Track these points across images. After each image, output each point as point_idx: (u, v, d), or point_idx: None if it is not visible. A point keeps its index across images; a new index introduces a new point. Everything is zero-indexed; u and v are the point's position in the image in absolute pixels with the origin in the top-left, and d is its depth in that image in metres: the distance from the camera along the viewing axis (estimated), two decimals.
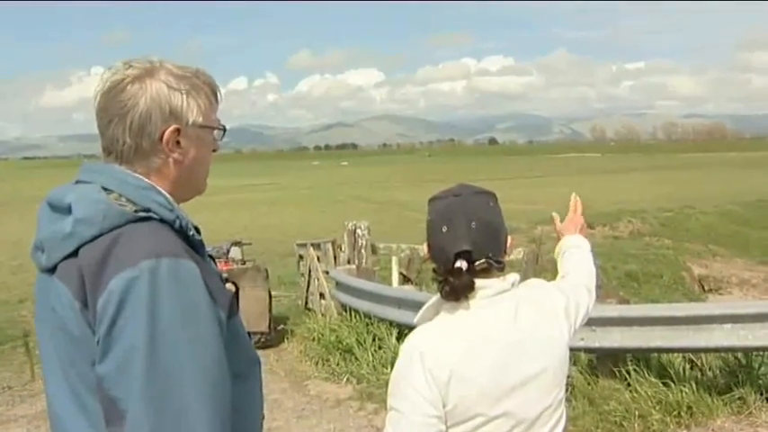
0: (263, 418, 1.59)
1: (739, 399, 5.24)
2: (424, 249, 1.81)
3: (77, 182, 1.45)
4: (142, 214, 1.37)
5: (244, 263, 9.17)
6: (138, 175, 1.42)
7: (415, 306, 6.97)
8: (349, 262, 9.17)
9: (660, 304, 6.93)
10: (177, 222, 1.40)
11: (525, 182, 56.01)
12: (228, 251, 9.19)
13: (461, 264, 1.64)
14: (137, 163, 1.43)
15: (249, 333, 1.57)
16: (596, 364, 5.76)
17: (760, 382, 5.42)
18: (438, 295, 1.71)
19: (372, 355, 6.96)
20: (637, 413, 5.11)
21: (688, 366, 5.73)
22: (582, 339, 5.55)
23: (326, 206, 38.26)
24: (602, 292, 9.96)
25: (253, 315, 7.67)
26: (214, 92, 1.52)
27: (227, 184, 51.73)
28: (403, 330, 7.22)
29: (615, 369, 5.59)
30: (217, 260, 7.81)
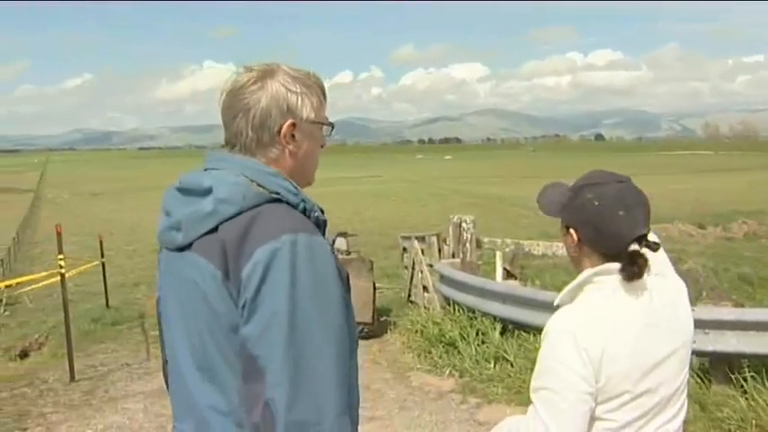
0: None
1: None
2: (571, 236, 1.82)
3: (206, 169, 1.60)
4: (275, 196, 1.52)
5: (349, 253, 9.30)
6: (263, 164, 1.58)
7: (520, 301, 6.96)
8: (453, 255, 9.16)
9: None
10: (302, 205, 1.55)
11: (634, 179, 54.29)
12: (334, 241, 9.35)
13: (638, 247, 1.71)
14: (258, 153, 1.59)
15: None
16: (709, 369, 5.55)
17: None
18: (580, 278, 1.77)
19: (476, 349, 6.92)
20: (754, 422, 4.89)
21: None
22: (694, 342, 5.36)
23: (429, 199, 38.32)
24: (714, 295, 9.61)
25: (357, 306, 7.72)
26: (323, 91, 1.69)
27: (332, 176, 52.59)
28: (507, 326, 7.19)
29: (730, 375, 5.38)
30: None
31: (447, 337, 7.28)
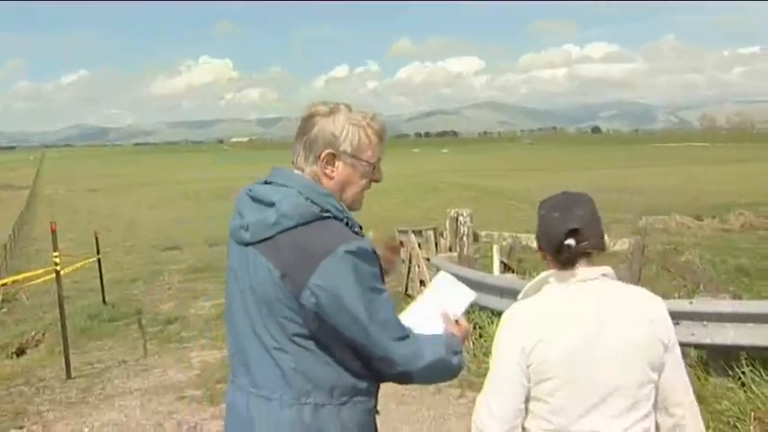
0: None
1: None
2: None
3: (270, 182, 1.99)
4: (325, 214, 1.90)
5: None
6: (320, 185, 1.96)
7: (517, 295, 6.93)
8: (450, 249, 9.14)
9: None
10: (345, 221, 1.93)
11: (631, 171, 54.52)
12: None
13: (570, 241, 1.97)
14: (306, 169, 1.99)
15: None
16: (707, 361, 5.54)
17: None
18: (538, 277, 2.09)
19: (473, 343, 6.91)
20: (753, 414, 4.88)
21: None
22: (692, 335, 5.35)
23: (427, 193, 38.35)
24: (712, 287, 9.60)
25: None
26: (379, 135, 2.04)
27: None
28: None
29: (727, 367, 5.37)
30: None
31: None
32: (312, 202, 1.89)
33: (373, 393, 2.03)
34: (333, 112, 1.98)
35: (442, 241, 9.58)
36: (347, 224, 1.93)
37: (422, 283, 9.50)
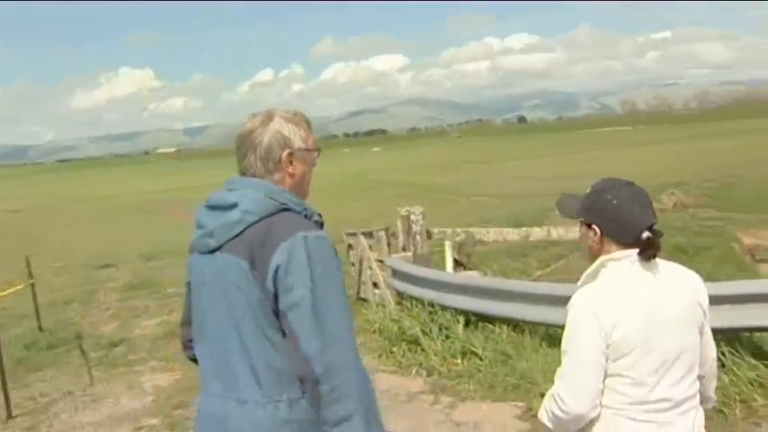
0: None
1: None
2: (594, 231, 2.26)
3: (227, 190, 2.11)
4: (285, 206, 2.04)
5: None
6: (273, 184, 2.10)
7: (482, 292, 6.72)
8: (404, 249, 8.89)
9: (754, 280, 6.52)
10: (304, 212, 2.07)
11: (559, 159, 55.33)
12: None
13: (650, 234, 2.17)
14: (266, 177, 2.12)
15: None
16: None
17: None
18: (596, 263, 2.25)
19: (440, 344, 6.65)
20: (737, 398, 4.78)
21: None
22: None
23: (361, 193, 38.12)
24: None
25: None
26: (308, 124, 2.22)
27: None
28: (470, 317, 6.94)
29: None
30: None
31: (408, 334, 6.96)
32: (270, 198, 2.03)
33: None
34: (269, 118, 2.14)
35: (394, 241, 9.31)
36: (306, 216, 2.06)
37: (375, 285, 9.24)
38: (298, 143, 2.14)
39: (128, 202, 45.63)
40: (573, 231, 9.08)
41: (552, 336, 6.30)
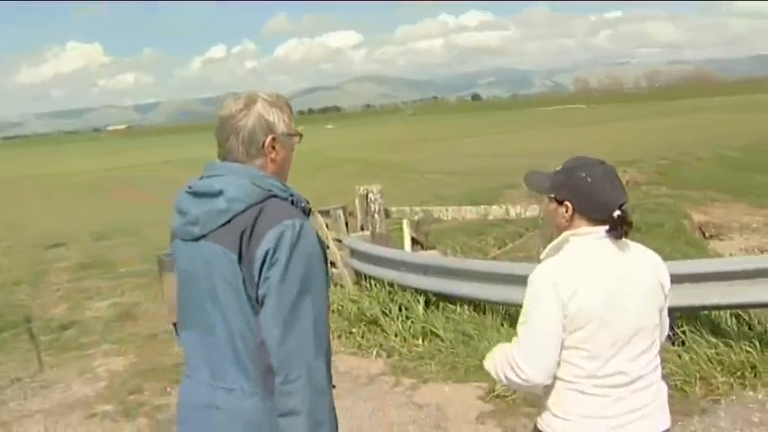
0: None
1: None
2: (566, 207, 2.27)
3: (210, 176, 2.08)
4: (270, 193, 2.01)
5: None
6: (256, 169, 2.07)
7: (444, 272, 6.65)
8: (362, 228, 8.79)
9: (713, 259, 6.58)
10: (290, 198, 2.05)
11: (513, 136, 55.61)
12: None
13: (621, 213, 2.20)
14: (248, 162, 2.08)
15: None
16: None
17: None
18: (560, 237, 2.28)
19: (401, 325, 6.56)
20: (698, 375, 4.79)
21: (741, 324, 5.39)
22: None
23: (316, 171, 37.80)
24: None
25: None
26: (290, 108, 2.19)
27: (211, 154, 50.94)
28: (430, 298, 6.88)
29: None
30: None
31: (368, 315, 6.86)
32: (255, 185, 2.00)
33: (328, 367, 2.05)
34: (252, 101, 2.10)
35: (351, 220, 9.20)
36: (292, 202, 2.04)
37: (332, 264, 9.12)
38: (281, 128, 2.11)
39: (78, 181, 44.68)
40: (531, 209, 9.09)
41: (513, 315, 6.26)
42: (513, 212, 9.05)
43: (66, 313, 9.82)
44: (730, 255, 13.03)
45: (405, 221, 9.40)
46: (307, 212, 2.09)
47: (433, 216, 9.27)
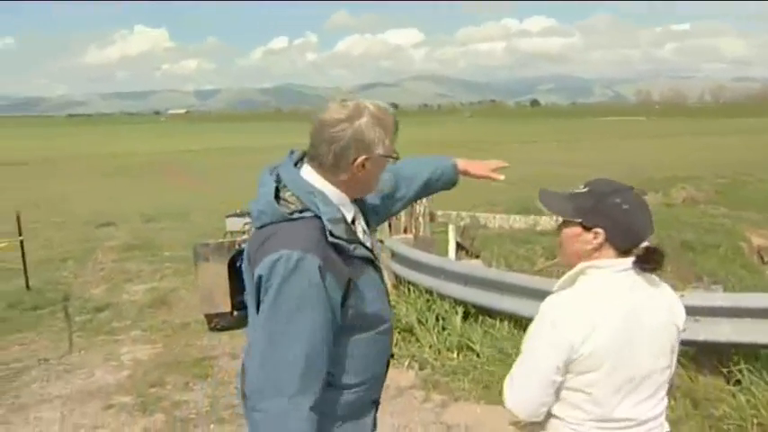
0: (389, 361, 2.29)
1: None
2: (595, 234, 2.06)
3: (273, 171, 2.09)
4: (296, 215, 1.97)
5: None
6: (311, 182, 2.03)
7: (485, 284, 6.32)
8: (405, 230, 8.52)
9: None
10: (324, 218, 1.97)
11: (570, 145, 54.69)
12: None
13: (648, 243, 2.04)
14: (330, 173, 2.03)
15: None
16: (698, 359, 5.02)
17: None
18: (576, 269, 2.07)
19: (436, 337, 6.27)
20: (755, 421, 4.40)
21: None
22: (683, 330, 4.85)
23: None
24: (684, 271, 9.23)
25: (204, 294, 7.39)
26: (396, 125, 2.10)
27: (267, 144, 51.19)
28: (469, 309, 6.58)
29: (720, 366, 4.86)
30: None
31: (403, 322, 6.56)
32: (297, 197, 2.00)
33: (342, 386, 2.09)
34: (359, 113, 2.00)
35: (395, 221, 8.94)
36: (326, 222, 1.97)
37: None
38: (379, 149, 2.03)
39: (135, 162, 45.34)
40: None
41: None
42: None
43: (104, 295, 9.78)
44: None
45: (450, 226, 9.11)
46: (336, 236, 1.98)
47: (480, 222, 8.94)
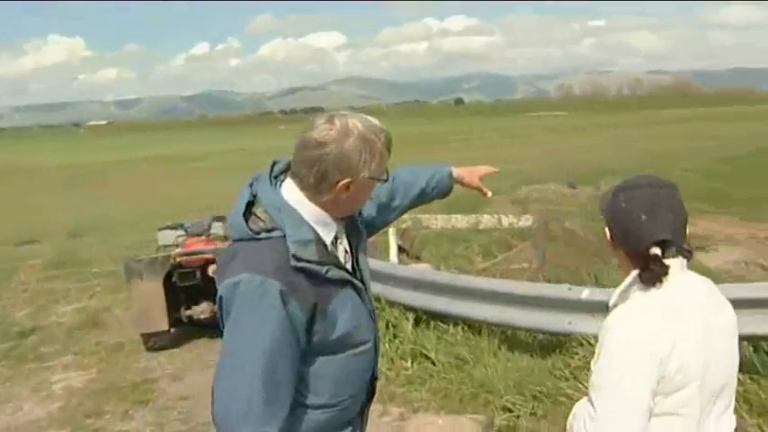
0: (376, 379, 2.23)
1: None
2: (606, 233, 1.95)
3: (251, 184, 2.01)
4: (263, 235, 1.90)
5: (226, 239, 8.21)
6: (286, 199, 1.94)
7: (434, 288, 6.12)
8: None
9: None
10: (289, 241, 1.88)
11: (496, 141, 55.38)
12: (210, 227, 8.21)
13: (657, 251, 1.78)
14: (312, 193, 1.94)
15: None
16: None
17: None
18: (630, 278, 1.83)
19: (388, 345, 6.04)
20: None
21: None
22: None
23: None
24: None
25: (139, 313, 7.09)
26: (389, 149, 2.00)
27: (197, 152, 50.23)
28: (420, 315, 6.37)
29: None
30: (198, 238, 6.64)
31: None
32: (269, 216, 1.91)
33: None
34: (347, 133, 1.88)
35: None
36: (290, 245, 1.86)
37: None
38: (364, 172, 1.93)
39: (56, 175, 43.91)
40: (524, 219, 8.65)
41: (512, 338, 5.80)
42: (505, 222, 8.62)
43: (30, 318, 9.23)
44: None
45: (390, 230, 8.90)
46: (301, 259, 1.86)
47: (422, 224, 8.77)
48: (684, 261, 1.85)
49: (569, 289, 5.19)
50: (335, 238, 2.03)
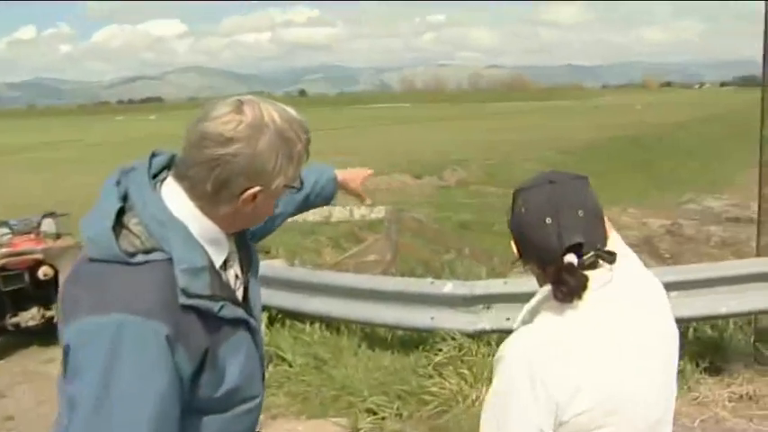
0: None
1: None
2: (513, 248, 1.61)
3: (119, 183, 1.49)
4: (140, 258, 1.40)
5: (59, 237, 7.55)
6: (171, 208, 1.46)
7: (289, 285, 5.80)
8: None
9: None
10: (178, 272, 1.41)
11: (339, 133, 55.56)
12: (40, 224, 7.52)
13: (572, 259, 1.45)
14: (206, 203, 1.48)
15: None
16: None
17: None
18: (538, 296, 1.52)
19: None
20: None
21: None
22: None
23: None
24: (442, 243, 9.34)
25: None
26: (307, 150, 1.56)
27: (26, 142, 47.02)
28: (273, 314, 6.08)
29: None
30: (26, 236, 6.04)
31: None
32: (148, 232, 1.42)
33: None
34: (259, 130, 1.43)
35: None
36: (179, 276, 1.40)
37: None
38: (279, 179, 1.50)
39: None
40: (377, 212, 8.57)
41: (372, 336, 5.64)
42: (357, 214, 8.53)
43: None
44: None
45: None
46: (192, 297, 1.40)
47: None
48: (609, 266, 1.49)
49: (432, 283, 5.12)
50: (225, 261, 1.58)
